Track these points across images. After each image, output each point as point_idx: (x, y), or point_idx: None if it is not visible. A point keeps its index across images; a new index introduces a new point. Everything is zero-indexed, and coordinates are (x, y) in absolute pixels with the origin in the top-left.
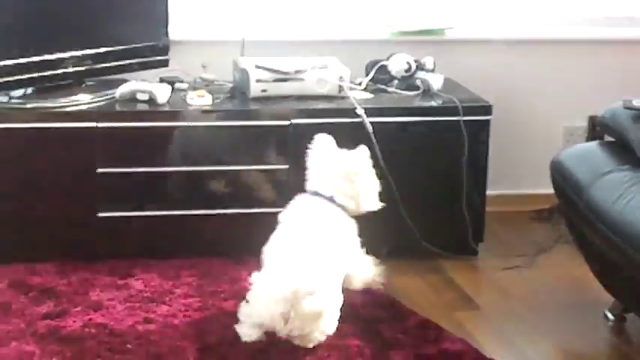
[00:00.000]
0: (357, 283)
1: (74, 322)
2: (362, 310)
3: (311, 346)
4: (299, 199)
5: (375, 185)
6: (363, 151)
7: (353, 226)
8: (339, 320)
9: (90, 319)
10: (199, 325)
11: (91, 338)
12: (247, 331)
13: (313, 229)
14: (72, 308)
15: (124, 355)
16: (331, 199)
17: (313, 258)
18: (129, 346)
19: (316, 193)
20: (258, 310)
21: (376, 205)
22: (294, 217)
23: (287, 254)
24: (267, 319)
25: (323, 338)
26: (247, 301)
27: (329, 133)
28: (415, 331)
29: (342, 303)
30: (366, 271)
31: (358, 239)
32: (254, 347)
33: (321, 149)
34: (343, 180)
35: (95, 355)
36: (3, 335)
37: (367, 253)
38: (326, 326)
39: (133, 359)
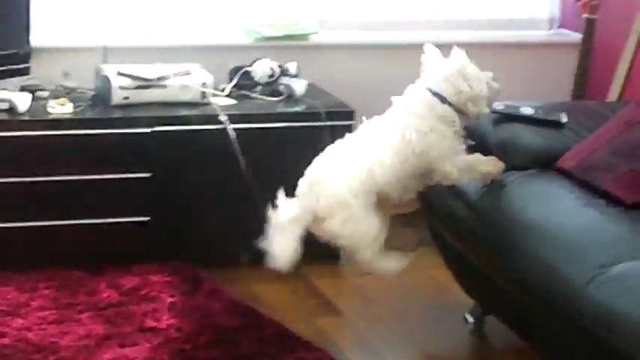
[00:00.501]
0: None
1: None
2: (220, 319)
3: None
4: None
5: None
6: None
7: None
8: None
9: None
10: (54, 337)
11: None
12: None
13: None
14: None
15: None
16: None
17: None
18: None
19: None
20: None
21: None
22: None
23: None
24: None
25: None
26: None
27: (192, 141)
28: (272, 341)
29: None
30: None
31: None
32: (108, 359)
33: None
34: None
35: None
36: None
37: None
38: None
39: None
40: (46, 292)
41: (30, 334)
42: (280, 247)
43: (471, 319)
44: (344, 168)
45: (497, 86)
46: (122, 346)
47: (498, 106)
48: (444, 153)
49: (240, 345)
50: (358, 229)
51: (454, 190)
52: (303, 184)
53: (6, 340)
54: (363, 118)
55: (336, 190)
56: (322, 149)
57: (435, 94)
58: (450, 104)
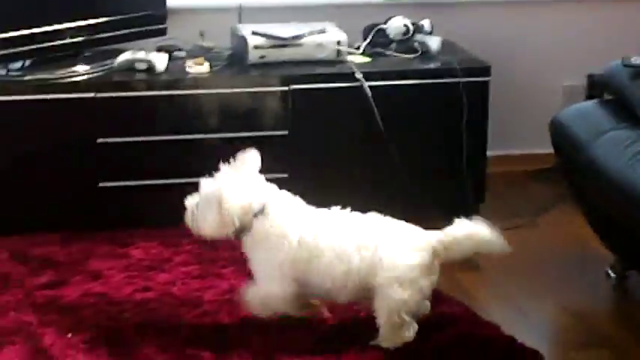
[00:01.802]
0: None
1: (73, 291)
2: None
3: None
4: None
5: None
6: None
7: None
8: None
9: (88, 289)
10: (197, 292)
11: (89, 307)
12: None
13: None
14: (71, 278)
15: (121, 322)
16: None
17: None
18: (126, 314)
19: None
20: None
21: None
22: None
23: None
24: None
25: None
26: None
27: (328, 98)
28: None
29: None
30: None
31: None
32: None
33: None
34: None
35: (92, 324)
36: (2, 306)
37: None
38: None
39: (129, 327)
40: (189, 247)
41: (174, 289)
42: None
43: (612, 275)
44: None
45: None
46: None
47: (636, 60)
48: None
49: None
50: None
51: (592, 146)
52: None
53: (151, 294)
54: None
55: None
56: (459, 105)
57: None
58: None
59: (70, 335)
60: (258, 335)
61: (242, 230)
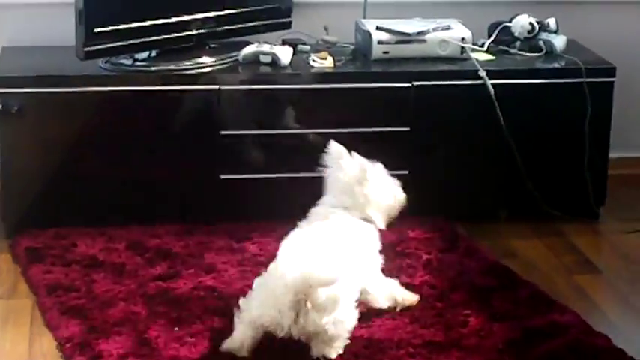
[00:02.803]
0: (380, 301)
1: (184, 284)
2: (475, 278)
3: (333, 355)
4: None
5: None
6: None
7: (374, 240)
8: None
9: (200, 282)
10: None
11: (199, 300)
12: (242, 330)
13: (331, 231)
14: (184, 270)
15: (225, 317)
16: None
17: (330, 252)
18: (234, 309)
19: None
20: (262, 301)
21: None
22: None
23: (301, 249)
24: (272, 313)
25: (341, 340)
26: (245, 297)
27: (451, 95)
28: (525, 302)
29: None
30: (389, 289)
31: (378, 257)
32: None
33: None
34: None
35: (196, 317)
36: (113, 295)
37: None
38: (343, 325)
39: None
40: None
41: None
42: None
43: None
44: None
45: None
46: None
47: None
48: None
49: (492, 305)
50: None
51: None
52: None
53: None
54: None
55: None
56: (583, 105)
57: None
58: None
59: (176, 329)
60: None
61: None
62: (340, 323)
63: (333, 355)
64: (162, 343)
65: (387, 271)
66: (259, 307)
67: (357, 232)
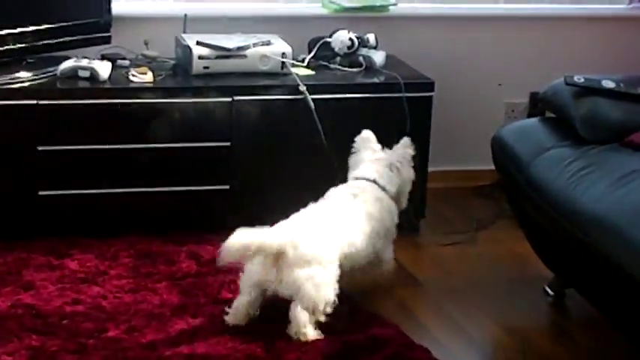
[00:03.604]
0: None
1: (2, 302)
2: None
3: (310, 333)
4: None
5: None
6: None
7: (391, 210)
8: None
9: (19, 299)
10: (128, 306)
11: (16, 319)
12: (245, 291)
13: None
14: (3, 288)
15: (43, 335)
16: (374, 181)
17: (313, 223)
18: (51, 328)
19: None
20: (252, 265)
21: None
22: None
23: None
24: (260, 272)
25: (319, 312)
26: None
27: (271, 110)
28: (346, 317)
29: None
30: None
31: (394, 226)
32: (179, 329)
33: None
34: (387, 168)
35: (14, 336)
36: None
37: None
38: (320, 291)
39: (50, 340)
40: (127, 260)
41: (105, 302)
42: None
43: (551, 292)
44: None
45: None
46: (194, 316)
47: (579, 79)
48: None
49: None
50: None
51: (533, 163)
52: (282, 225)
53: (80, 308)
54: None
55: (317, 245)
56: (402, 120)
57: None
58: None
59: None
60: (185, 352)
61: None
62: (317, 286)
63: (310, 333)
64: None
65: (214, 288)
66: (249, 271)
67: (381, 206)
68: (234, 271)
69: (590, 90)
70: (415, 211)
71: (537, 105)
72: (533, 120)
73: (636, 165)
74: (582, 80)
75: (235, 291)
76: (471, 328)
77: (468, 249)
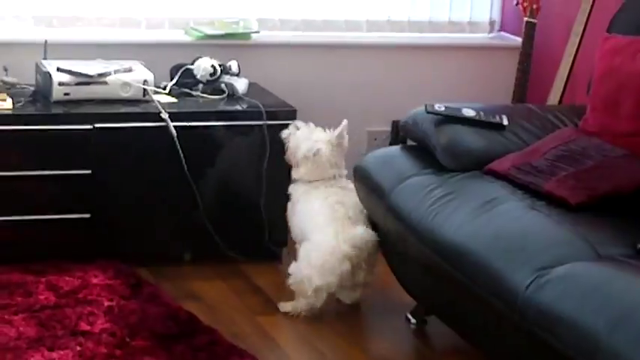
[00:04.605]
0: None
1: None
2: (156, 325)
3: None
4: None
5: None
6: None
7: None
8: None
9: None
10: None
11: None
12: (313, 297)
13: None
14: None
15: None
16: None
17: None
18: None
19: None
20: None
21: None
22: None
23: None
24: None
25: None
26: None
27: (133, 138)
28: (205, 348)
29: None
30: None
31: None
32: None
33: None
34: None
35: None
36: None
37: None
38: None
39: None
40: None
41: None
42: None
43: (413, 320)
44: None
45: None
46: (51, 349)
47: (440, 107)
48: None
49: (173, 352)
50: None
51: (394, 192)
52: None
53: None
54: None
55: None
56: (262, 147)
57: None
58: None
59: None
60: None
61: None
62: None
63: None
64: None
65: (72, 320)
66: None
67: None
68: (93, 302)
69: (450, 118)
70: (276, 239)
71: (399, 133)
72: (395, 148)
73: (496, 192)
74: (443, 109)
75: (94, 323)
76: (332, 355)
77: None
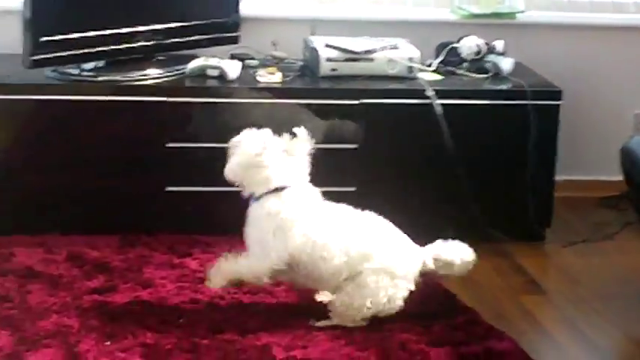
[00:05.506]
0: None
1: (120, 298)
2: (416, 304)
3: None
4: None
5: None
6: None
7: None
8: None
9: (137, 297)
10: (244, 307)
11: (133, 316)
12: None
13: None
14: (122, 284)
15: (158, 333)
16: None
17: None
18: (167, 326)
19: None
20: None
21: None
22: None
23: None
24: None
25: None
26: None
27: (398, 114)
28: (464, 328)
29: None
30: None
31: None
32: (293, 333)
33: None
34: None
35: (129, 332)
36: (47, 307)
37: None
38: None
39: (165, 338)
40: None
41: (222, 302)
42: None
43: None
44: None
45: None
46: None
47: None
48: None
49: (431, 330)
50: None
51: None
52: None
53: (198, 307)
54: None
55: None
56: (527, 128)
57: None
58: None
59: (108, 343)
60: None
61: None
62: None
63: None
64: (92, 358)
65: None
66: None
67: None
68: None
69: None
70: (541, 220)
71: None
72: None
73: None
74: None
75: None
76: (598, 338)
77: (593, 259)
